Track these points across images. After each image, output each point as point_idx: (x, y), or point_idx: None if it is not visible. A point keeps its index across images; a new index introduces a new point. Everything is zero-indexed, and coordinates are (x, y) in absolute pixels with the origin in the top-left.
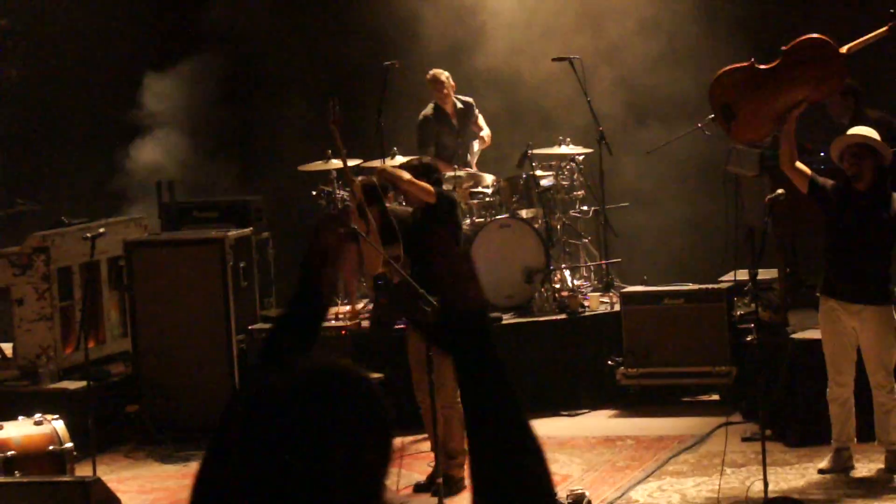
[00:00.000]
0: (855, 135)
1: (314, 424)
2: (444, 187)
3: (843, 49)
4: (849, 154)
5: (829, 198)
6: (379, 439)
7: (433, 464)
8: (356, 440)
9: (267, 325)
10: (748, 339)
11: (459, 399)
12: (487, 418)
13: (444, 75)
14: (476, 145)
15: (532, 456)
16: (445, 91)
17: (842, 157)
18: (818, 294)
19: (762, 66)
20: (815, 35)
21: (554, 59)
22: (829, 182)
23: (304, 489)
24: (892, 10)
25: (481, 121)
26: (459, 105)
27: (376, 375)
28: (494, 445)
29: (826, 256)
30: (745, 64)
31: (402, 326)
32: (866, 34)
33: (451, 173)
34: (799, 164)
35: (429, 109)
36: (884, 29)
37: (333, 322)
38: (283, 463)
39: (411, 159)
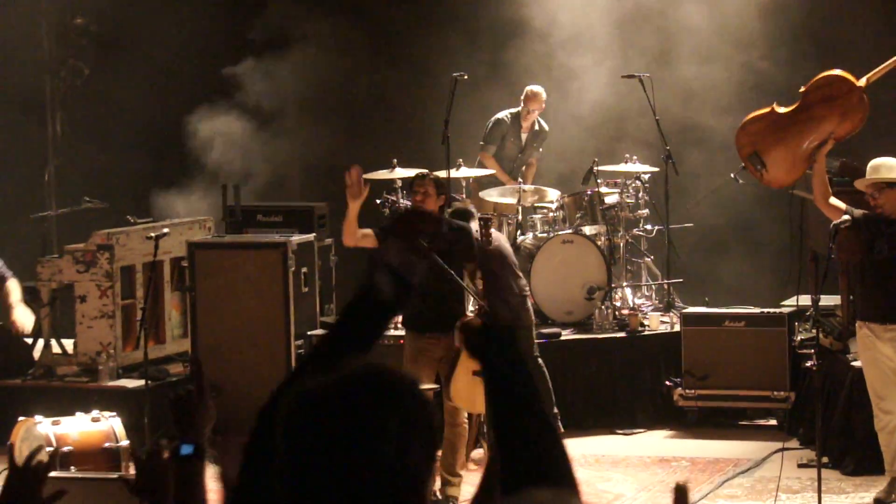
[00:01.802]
0: (868, 179)
1: (360, 424)
2: (508, 200)
3: (862, 81)
4: (868, 195)
5: (861, 227)
6: (424, 442)
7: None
8: (401, 442)
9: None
10: (808, 364)
11: (464, 420)
12: (514, 411)
13: (543, 95)
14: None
15: (554, 441)
16: (534, 110)
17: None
18: (856, 322)
19: (783, 110)
20: (832, 72)
21: (623, 76)
22: (862, 212)
23: (348, 488)
24: None
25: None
26: (537, 127)
27: (432, 387)
28: (520, 434)
29: (860, 283)
30: (767, 110)
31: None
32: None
33: (515, 186)
34: (833, 200)
35: (507, 114)
36: None
37: (393, 331)
38: (327, 461)
39: (428, 172)
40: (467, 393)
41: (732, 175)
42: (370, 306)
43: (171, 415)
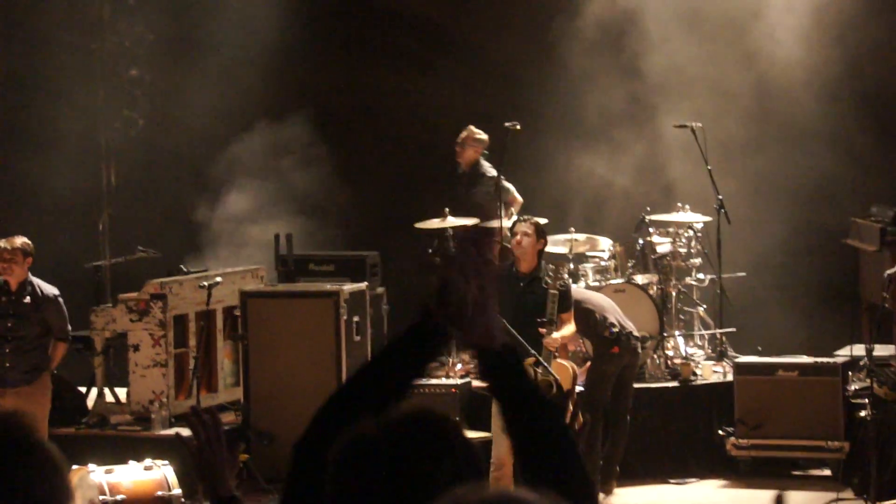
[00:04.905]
0: None
1: (413, 468)
2: (559, 249)
3: None
4: None
5: None
6: (472, 480)
7: None
8: (452, 486)
9: None
10: (862, 414)
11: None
12: (529, 425)
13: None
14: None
15: (571, 452)
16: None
17: None
18: None
19: None
20: None
21: (675, 126)
22: None
23: None
24: None
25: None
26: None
27: (484, 435)
28: (538, 449)
29: None
30: None
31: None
32: None
33: (568, 237)
34: None
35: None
36: None
37: (445, 380)
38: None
39: (527, 219)
40: None
41: None
42: (426, 330)
43: (193, 468)
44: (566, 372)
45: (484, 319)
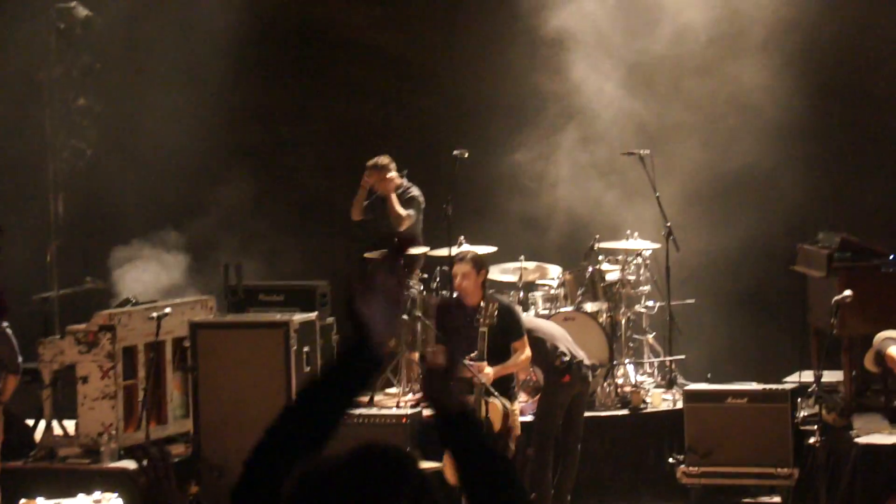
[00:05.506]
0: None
1: (364, 501)
2: (508, 277)
3: None
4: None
5: None
6: None
7: None
8: None
9: None
10: (811, 441)
11: None
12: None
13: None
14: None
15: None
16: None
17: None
18: None
19: None
20: None
21: (623, 154)
22: None
23: None
24: None
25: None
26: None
27: (436, 465)
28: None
29: None
30: None
31: None
32: None
33: (517, 265)
34: None
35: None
36: None
37: (395, 410)
38: None
39: (466, 253)
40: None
41: None
42: (357, 362)
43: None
44: (496, 411)
45: (442, 383)
